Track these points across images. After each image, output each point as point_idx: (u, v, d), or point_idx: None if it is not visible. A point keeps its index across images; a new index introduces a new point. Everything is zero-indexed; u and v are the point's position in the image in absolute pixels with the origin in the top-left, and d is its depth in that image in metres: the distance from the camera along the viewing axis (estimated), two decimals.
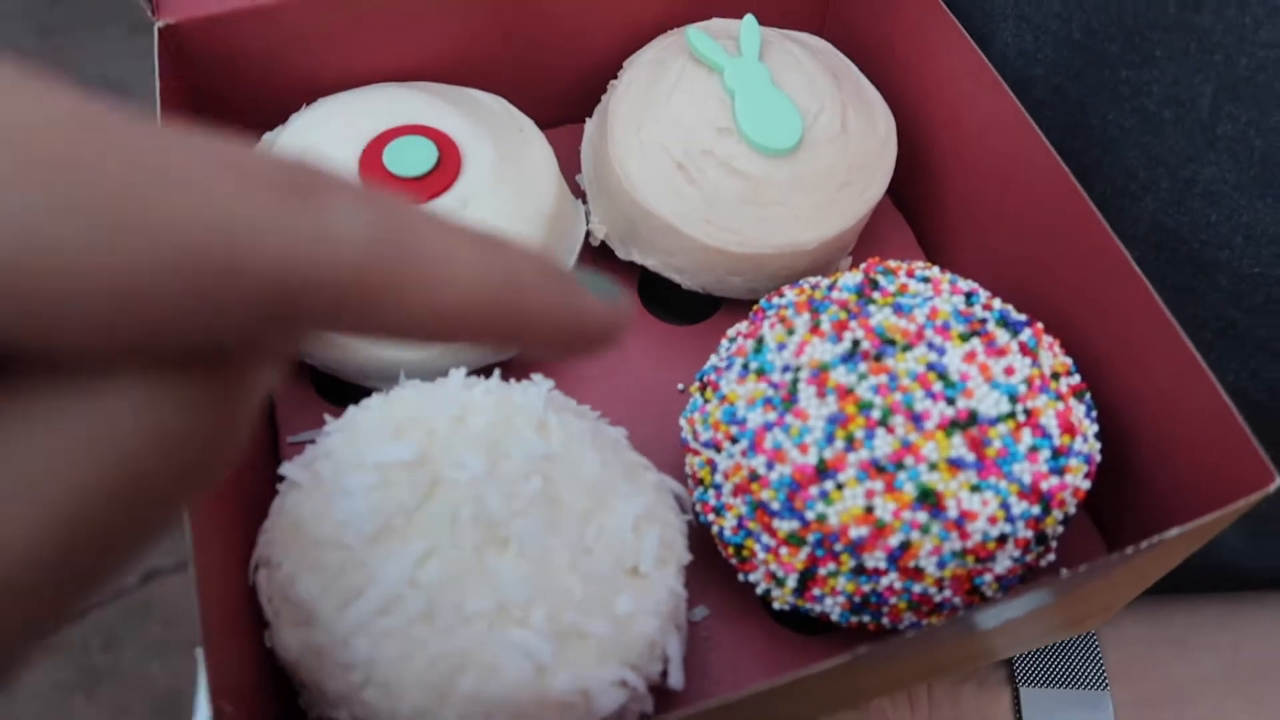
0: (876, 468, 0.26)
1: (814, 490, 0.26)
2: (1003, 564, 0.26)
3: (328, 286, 0.11)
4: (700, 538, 0.29)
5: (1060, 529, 0.27)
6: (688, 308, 0.37)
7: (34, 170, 0.09)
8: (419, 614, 0.24)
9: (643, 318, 0.36)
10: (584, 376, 0.35)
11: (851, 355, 0.27)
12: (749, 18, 0.35)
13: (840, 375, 0.27)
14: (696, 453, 0.29)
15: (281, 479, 0.27)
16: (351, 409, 0.28)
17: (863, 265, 0.31)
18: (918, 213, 0.39)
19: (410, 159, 0.31)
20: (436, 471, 0.26)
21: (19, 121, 0.09)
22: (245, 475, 0.29)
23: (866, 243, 0.38)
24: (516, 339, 0.13)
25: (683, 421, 0.30)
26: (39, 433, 0.10)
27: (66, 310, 0.09)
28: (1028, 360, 0.27)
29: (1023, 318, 0.29)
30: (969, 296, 0.29)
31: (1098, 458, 0.28)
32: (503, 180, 0.32)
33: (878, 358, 0.27)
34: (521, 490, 0.26)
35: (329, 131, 0.32)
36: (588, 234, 0.35)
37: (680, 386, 0.35)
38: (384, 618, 0.24)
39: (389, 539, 0.25)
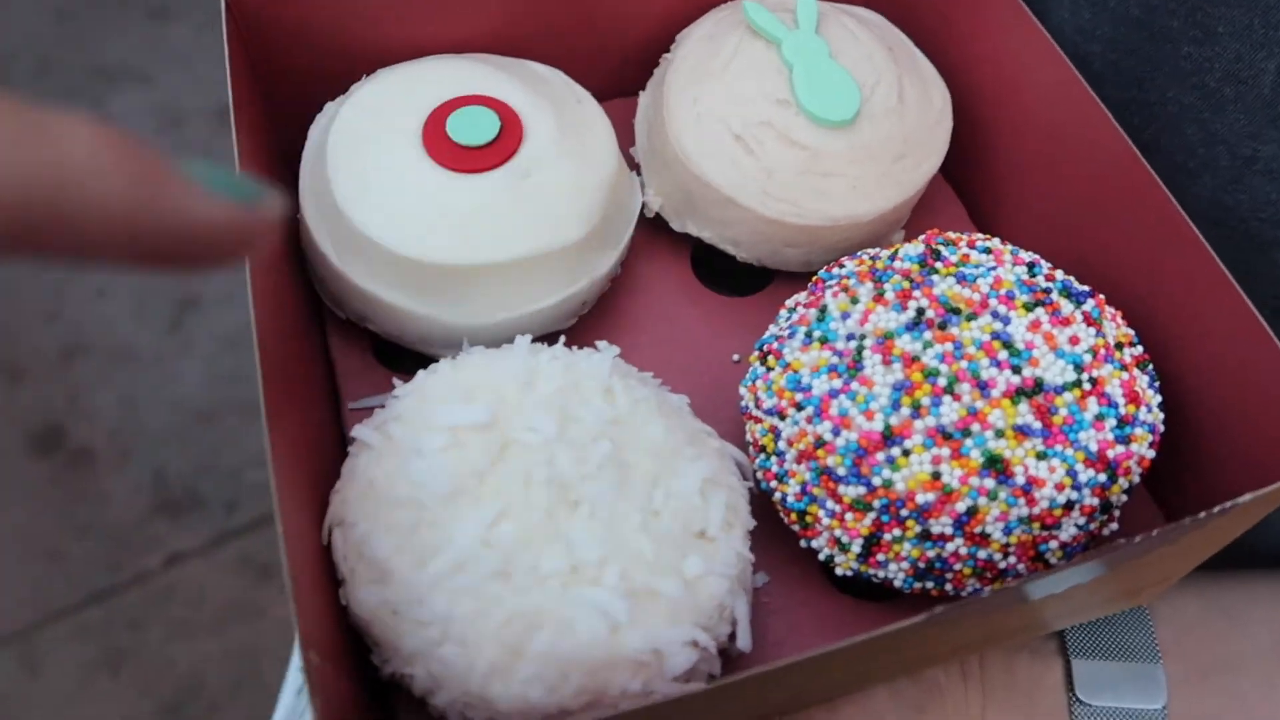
0: (943, 434, 0.26)
1: (880, 456, 0.26)
2: (1068, 531, 0.27)
3: None
4: (759, 505, 0.30)
5: (1124, 498, 0.27)
6: (741, 280, 0.37)
7: None
8: (494, 572, 0.24)
9: (696, 289, 0.37)
10: (638, 345, 0.35)
11: (916, 323, 0.27)
12: None
13: (905, 343, 0.27)
14: (759, 420, 0.29)
15: (351, 441, 0.28)
16: (421, 373, 0.28)
17: (922, 236, 0.31)
18: (969, 187, 0.39)
19: (474, 128, 0.31)
20: (507, 434, 0.26)
21: None
22: (313, 438, 0.29)
23: (918, 217, 0.38)
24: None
25: (743, 389, 0.30)
26: None
27: None
28: (1092, 330, 0.28)
29: (1085, 288, 0.29)
30: (1031, 267, 0.29)
31: (1162, 428, 0.28)
32: (564, 151, 0.32)
33: (942, 326, 0.27)
34: (591, 453, 0.26)
35: (392, 100, 0.32)
36: (643, 205, 0.36)
37: (735, 357, 0.35)
38: (459, 575, 0.24)
39: (462, 499, 0.25)
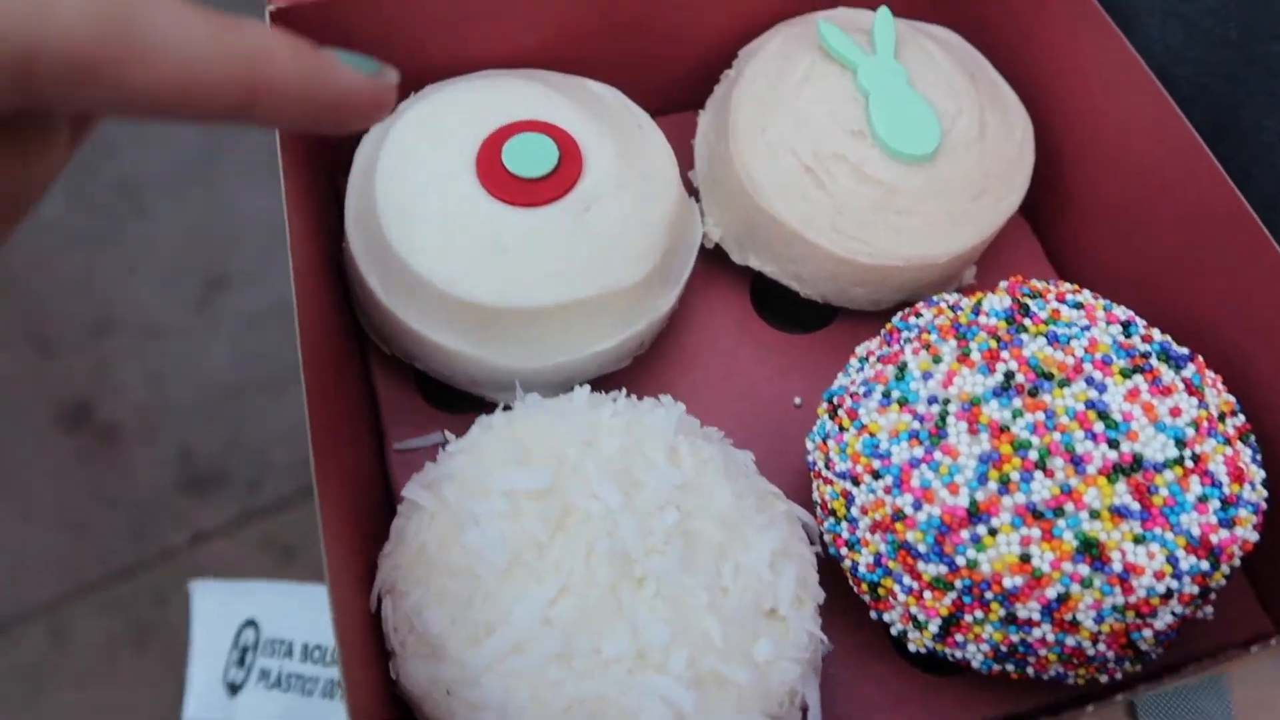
0: (1033, 513, 0.24)
1: (964, 534, 0.25)
2: (1164, 619, 0.25)
3: (60, 61, 0.13)
4: (824, 566, 0.28)
5: (1224, 582, 0.25)
6: (803, 315, 0.35)
7: None
8: (554, 655, 0.23)
9: (756, 325, 0.35)
10: (696, 385, 0.33)
11: (1005, 389, 0.26)
12: (884, 10, 0.33)
13: (993, 410, 0.25)
14: (829, 481, 0.28)
15: (394, 491, 0.26)
16: (475, 428, 0.26)
17: (1004, 285, 0.29)
18: (1044, 218, 0.37)
19: (531, 158, 0.29)
20: (568, 500, 0.25)
21: None
22: (358, 485, 0.28)
23: (990, 252, 0.36)
24: (261, 108, 0.15)
25: (810, 445, 0.29)
26: None
27: None
28: (1194, 400, 0.26)
29: (1184, 351, 0.27)
30: (1126, 326, 0.27)
31: (1265, 506, 0.26)
32: (624, 184, 0.30)
33: (1033, 393, 0.25)
34: (657, 524, 0.24)
35: (444, 124, 0.30)
36: (703, 235, 0.34)
37: (797, 401, 0.33)
38: (517, 657, 0.23)
39: (519, 572, 0.24)
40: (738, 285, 0.35)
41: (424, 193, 0.29)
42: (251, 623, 0.47)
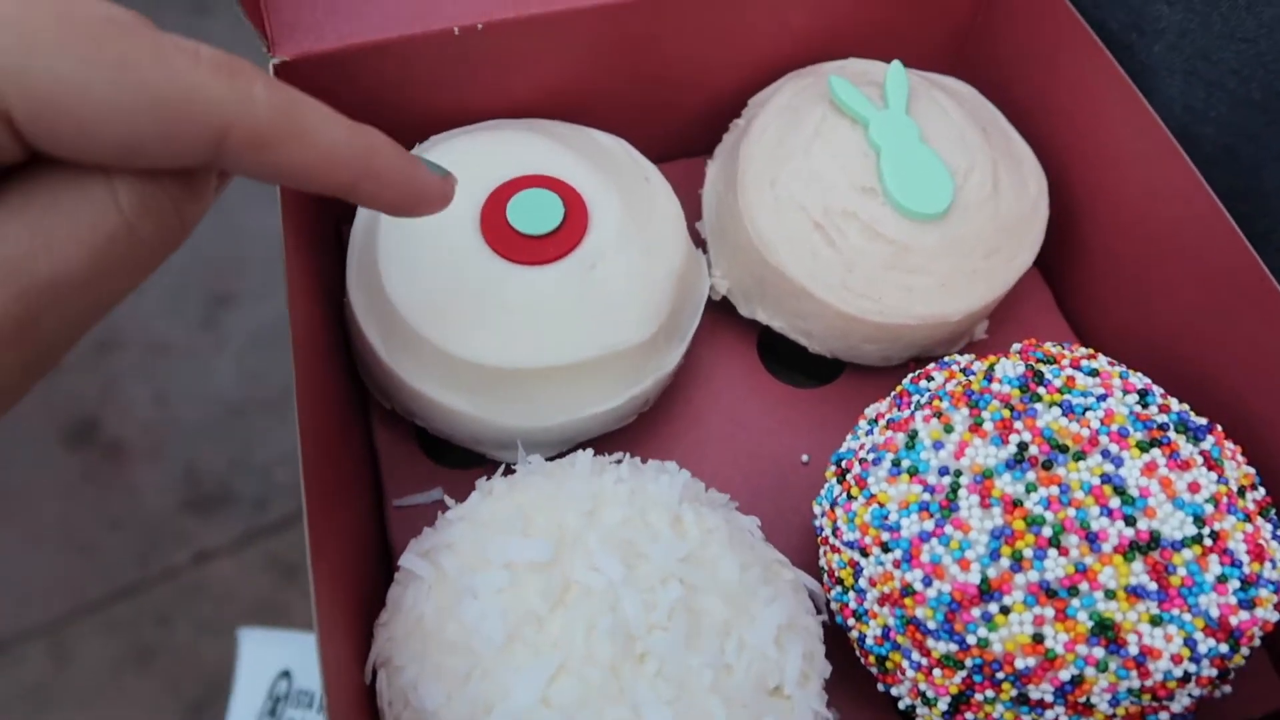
0: (1047, 592, 0.24)
1: (976, 612, 0.24)
2: (1181, 702, 0.24)
3: (247, 134, 0.16)
4: (830, 634, 0.28)
5: (1243, 663, 0.25)
6: (810, 366, 0.35)
7: (80, 38, 0.15)
8: None
9: (763, 379, 0.34)
10: (701, 442, 0.33)
11: (1018, 461, 0.25)
12: (896, 64, 0.33)
13: (1006, 484, 0.25)
14: (837, 550, 0.27)
15: (392, 548, 0.26)
16: (475, 495, 0.26)
17: (1017, 347, 0.29)
18: (1060, 276, 0.36)
19: (536, 215, 0.29)
20: (569, 573, 0.24)
21: (87, 15, 0.15)
22: (355, 547, 0.27)
23: (1002, 304, 0.35)
24: (364, 189, 0.19)
25: (818, 509, 0.28)
26: (31, 216, 0.15)
27: (77, 123, 0.15)
28: (1213, 475, 0.25)
29: (1203, 421, 0.26)
30: (1143, 395, 0.27)
31: None
32: (630, 240, 0.30)
33: (1047, 466, 0.25)
34: (660, 599, 0.24)
35: None
36: (710, 288, 0.33)
37: (805, 458, 0.33)
38: None
39: (518, 648, 0.23)
40: (745, 336, 0.35)
41: (427, 249, 0.29)
42: (286, 673, 0.47)
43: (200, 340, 1.19)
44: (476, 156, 0.31)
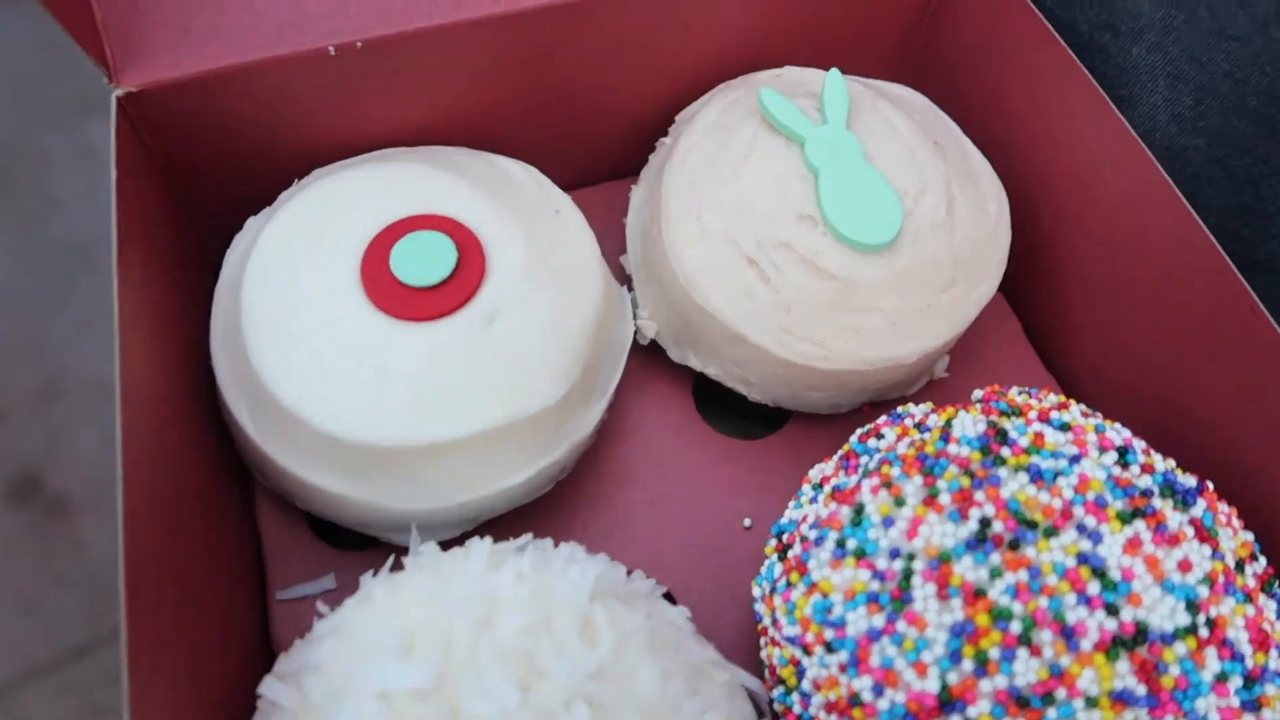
0: (1018, 701, 0.20)
1: None
2: None
3: None
4: None
5: None
6: (753, 414, 0.31)
7: None
8: None
9: (698, 429, 0.31)
10: (630, 504, 0.29)
11: (980, 541, 0.21)
12: (834, 73, 0.29)
13: (966, 569, 0.21)
14: (777, 644, 0.23)
15: (275, 650, 0.22)
16: (349, 604, 0.22)
17: (978, 395, 0.25)
18: (1027, 303, 0.33)
19: (424, 263, 0.25)
20: (455, 702, 0.20)
21: None
22: (216, 642, 0.23)
23: (965, 341, 0.32)
24: None
25: (757, 593, 0.25)
26: None
27: None
28: (1206, 549, 0.22)
29: (1192, 482, 0.23)
30: (1122, 454, 0.23)
31: None
32: (536, 287, 0.26)
33: (1013, 546, 0.21)
34: None
35: (325, 222, 0.26)
36: (635, 332, 0.30)
37: (747, 522, 0.29)
38: None
39: None
40: (679, 382, 0.31)
41: (298, 308, 0.25)
42: None
43: None
44: (359, 194, 0.27)
